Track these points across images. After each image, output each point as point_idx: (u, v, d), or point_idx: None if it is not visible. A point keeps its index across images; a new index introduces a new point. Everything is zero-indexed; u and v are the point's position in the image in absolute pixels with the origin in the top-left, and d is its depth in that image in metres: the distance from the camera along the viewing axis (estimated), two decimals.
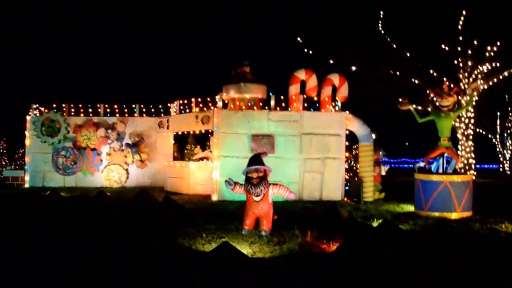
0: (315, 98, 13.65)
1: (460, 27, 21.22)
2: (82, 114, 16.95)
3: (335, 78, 13.74)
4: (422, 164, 11.55)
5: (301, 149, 13.11)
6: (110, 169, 16.40)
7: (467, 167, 22.27)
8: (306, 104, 13.52)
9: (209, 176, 13.52)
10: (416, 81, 21.44)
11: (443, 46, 21.39)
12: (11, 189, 15.91)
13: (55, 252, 6.24)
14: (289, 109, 13.35)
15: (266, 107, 13.60)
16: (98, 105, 16.96)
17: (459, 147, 22.83)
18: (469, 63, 21.30)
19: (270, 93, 13.66)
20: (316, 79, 13.63)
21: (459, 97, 11.92)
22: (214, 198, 12.83)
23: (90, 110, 17.00)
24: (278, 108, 13.37)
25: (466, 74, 21.95)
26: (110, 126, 16.69)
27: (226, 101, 14.20)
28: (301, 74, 13.62)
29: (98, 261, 5.82)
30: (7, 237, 7.17)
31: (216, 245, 6.55)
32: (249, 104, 13.86)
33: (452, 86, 11.61)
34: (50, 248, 6.44)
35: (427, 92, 20.22)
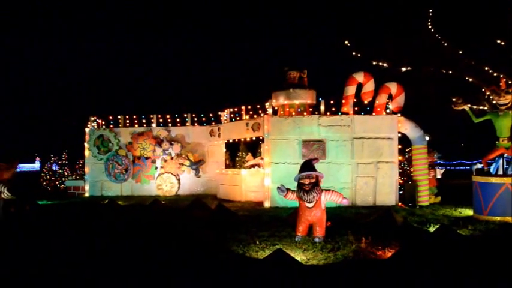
0: (365, 102, 13.48)
1: None
2: (137, 125, 17.55)
3: (393, 87, 13.52)
4: (480, 166, 11.15)
5: (352, 153, 12.96)
6: (163, 178, 16.90)
7: None
8: (356, 108, 13.37)
9: (261, 182, 13.61)
10: (471, 80, 20.68)
11: (498, 41, 20.50)
12: (72, 198, 16.73)
13: (110, 257, 6.52)
14: (340, 113, 13.26)
15: (316, 112, 13.56)
16: (151, 116, 17.50)
17: None
18: None
19: (320, 98, 13.61)
20: (373, 84, 13.48)
21: None
22: (267, 204, 12.90)
23: (144, 121, 17.57)
24: (328, 113, 13.30)
25: None
26: (160, 139, 17.20)
27: (276, 108, 14.27)
28: (360, 77, 13.51)
29: (153, 267, 6.02)
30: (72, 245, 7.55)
31: (269, 252, 6.60)
32: (299, 110, 13.86)
33: (510, 82, 11.14)
34: (108, 254, 6.73)
35: (483, 90, 19.40)
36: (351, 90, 13.44)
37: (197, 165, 16.96)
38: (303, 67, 14.51)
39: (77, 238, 8.15)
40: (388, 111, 13.46)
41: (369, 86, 13.50)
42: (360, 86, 13.52)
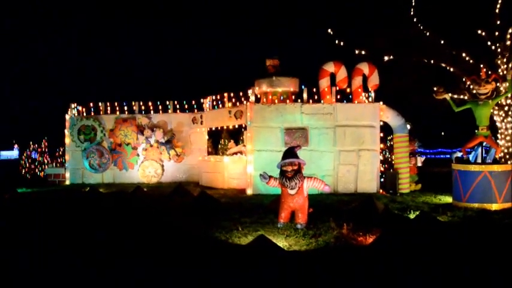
0: (348, 90, 13.55)
1: (497, 10, 20.47)
2: (118, 112, 17.33)
3: (364, 68, 13.60)
4: (459, 154, 11.31)
5: (335, 141, 13.04)
6: (145, 165, 16.75)
7: (507, 156, 21.57)
8: (338, 96, 13.43)
9: (243, 170, 13.61)
10: (452, 69, 20.90)
11: (479, 31, 20.71)
12: (53, 186, 16.52)
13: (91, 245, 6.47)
14: (322, 101, 13.30)
15: (299, 100, 13.58)
16: (133, 103, 17.30)
17: (498, 135, 22.09)
18: (507, 48, 20.58)
19: (302, 86, 13.63)
20: (345, 70, 13.53)
21: (498, 84, 11.53)
22: (249, 192, 12.93)
23: (125, 108, 17.36)
24: (311, 101, 13.33)
25: (505, 60, 21.18)
26: (142, 126, 16.97)
27: (258, 95, 14.24)
28: (330, 67, 13.53)
29: (135, 255, 5.99)
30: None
31: (252, 238, 6.61)
32: (282, 98, 13.86)
33: (490, 72, 11.28)
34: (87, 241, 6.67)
35: (464, 80, 19.64)
36: (324, 82, 13.46)
37: (169, 142, 16.71)
38: (274, 55, 14.60)
39: (57, 227, 8.06)
40: (370, 99, 13.54)
41: (342, 74, 13.55)
42: (333, 76, 13.57)
